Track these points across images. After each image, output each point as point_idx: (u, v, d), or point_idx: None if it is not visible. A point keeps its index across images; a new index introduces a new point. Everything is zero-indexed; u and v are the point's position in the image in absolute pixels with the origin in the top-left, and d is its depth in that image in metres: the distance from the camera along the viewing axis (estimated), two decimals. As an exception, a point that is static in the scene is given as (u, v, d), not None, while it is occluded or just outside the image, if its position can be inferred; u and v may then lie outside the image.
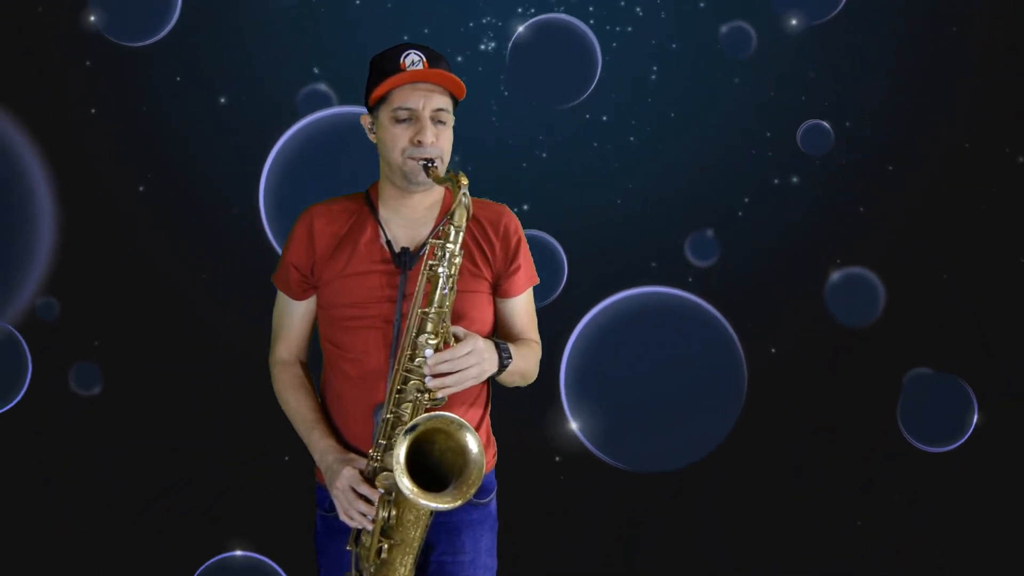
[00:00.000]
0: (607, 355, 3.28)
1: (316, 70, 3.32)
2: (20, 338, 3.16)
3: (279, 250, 2.90)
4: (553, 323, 3.27)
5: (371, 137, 2.06)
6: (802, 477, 3.47)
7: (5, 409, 3.18)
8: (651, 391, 3.31)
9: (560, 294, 3.30)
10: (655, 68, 3.45)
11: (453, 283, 1.90)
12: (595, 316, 3.27)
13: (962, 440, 3.36)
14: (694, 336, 3.32)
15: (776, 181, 3.47)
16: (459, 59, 3.35)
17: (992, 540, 3.47)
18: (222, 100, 3.33)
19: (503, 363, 1.96)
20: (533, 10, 3.36)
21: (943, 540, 3.47)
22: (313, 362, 2.16)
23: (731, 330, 3.30)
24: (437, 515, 2.00)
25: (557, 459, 3.40)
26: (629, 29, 3.42)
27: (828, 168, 3.45)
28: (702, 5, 3.43)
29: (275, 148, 3.16)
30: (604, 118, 3.42)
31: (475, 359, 1.90)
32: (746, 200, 3.48)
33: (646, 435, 3.29)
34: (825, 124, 3.34)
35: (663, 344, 3.32)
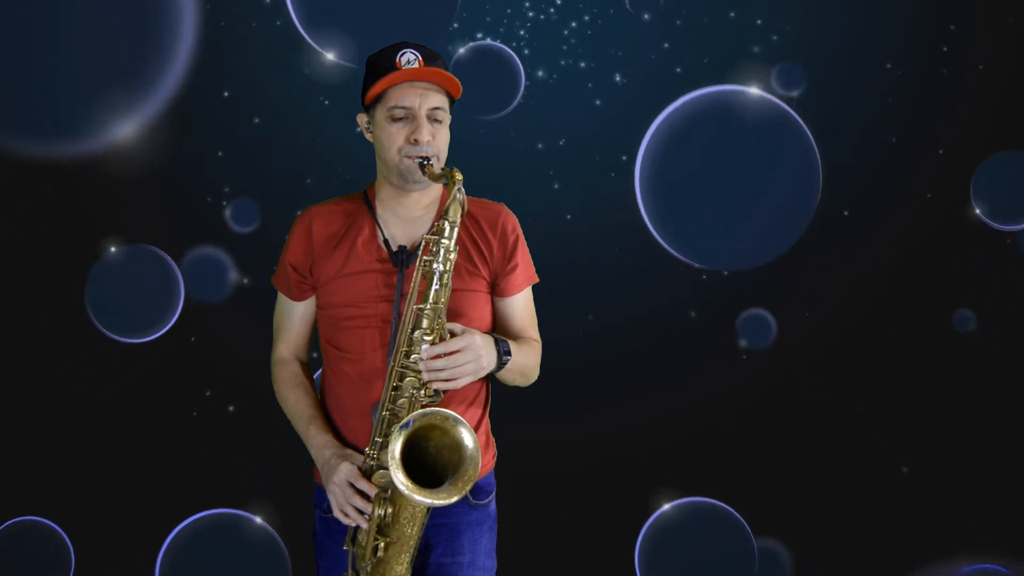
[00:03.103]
0: (682, 153, 3.25)
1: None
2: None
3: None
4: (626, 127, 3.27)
5: (368, 136, 2.07)
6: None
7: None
8: (724, 189, 3.28)
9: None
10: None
11: (448, 279, 1.90)
12: (670, 114, 3.23)
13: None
14: (770, 136, 3.28)
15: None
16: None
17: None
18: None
19: (502, 360, 1.95)
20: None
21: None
22: (314, 362, 2.16)
23: (809, 133, 3.25)
24: (436, 515, 2.00)
25: (556, 459, 3.39)
26: None
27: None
28: None
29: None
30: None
31: (471, 355, 1.89)
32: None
33: (717, 233, 3.29)
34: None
35: (739, 143, 3.28)
